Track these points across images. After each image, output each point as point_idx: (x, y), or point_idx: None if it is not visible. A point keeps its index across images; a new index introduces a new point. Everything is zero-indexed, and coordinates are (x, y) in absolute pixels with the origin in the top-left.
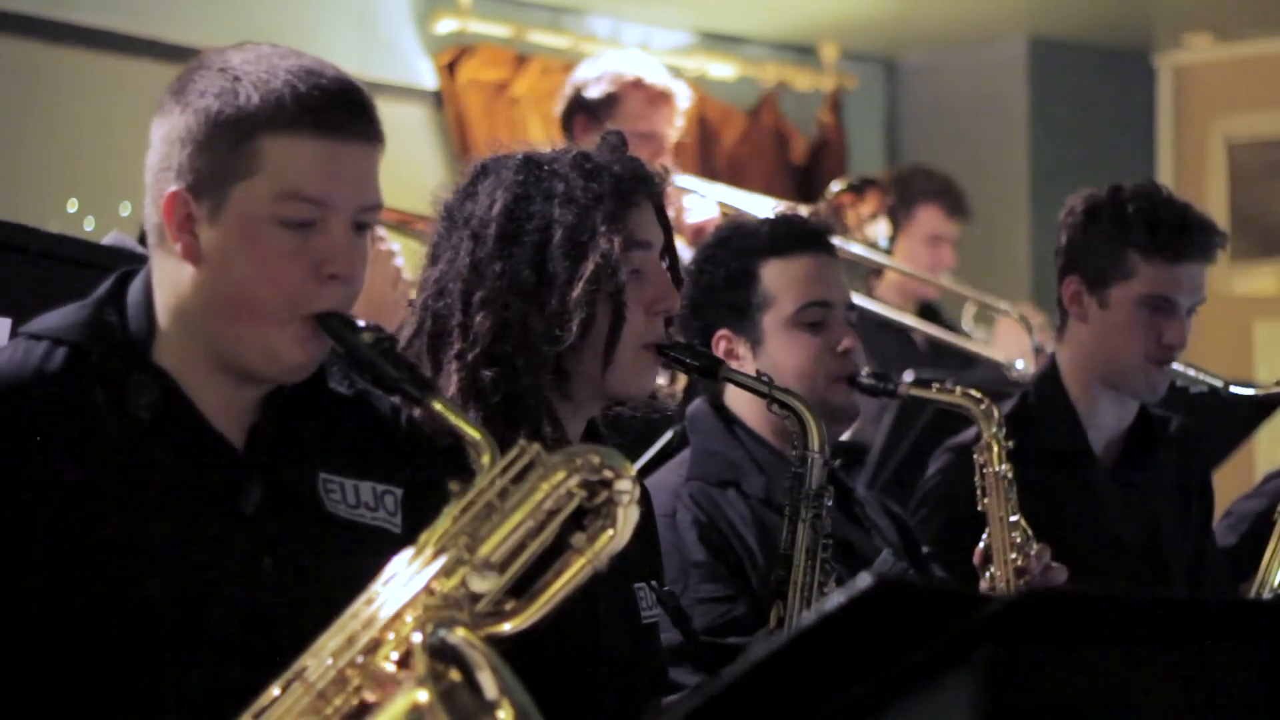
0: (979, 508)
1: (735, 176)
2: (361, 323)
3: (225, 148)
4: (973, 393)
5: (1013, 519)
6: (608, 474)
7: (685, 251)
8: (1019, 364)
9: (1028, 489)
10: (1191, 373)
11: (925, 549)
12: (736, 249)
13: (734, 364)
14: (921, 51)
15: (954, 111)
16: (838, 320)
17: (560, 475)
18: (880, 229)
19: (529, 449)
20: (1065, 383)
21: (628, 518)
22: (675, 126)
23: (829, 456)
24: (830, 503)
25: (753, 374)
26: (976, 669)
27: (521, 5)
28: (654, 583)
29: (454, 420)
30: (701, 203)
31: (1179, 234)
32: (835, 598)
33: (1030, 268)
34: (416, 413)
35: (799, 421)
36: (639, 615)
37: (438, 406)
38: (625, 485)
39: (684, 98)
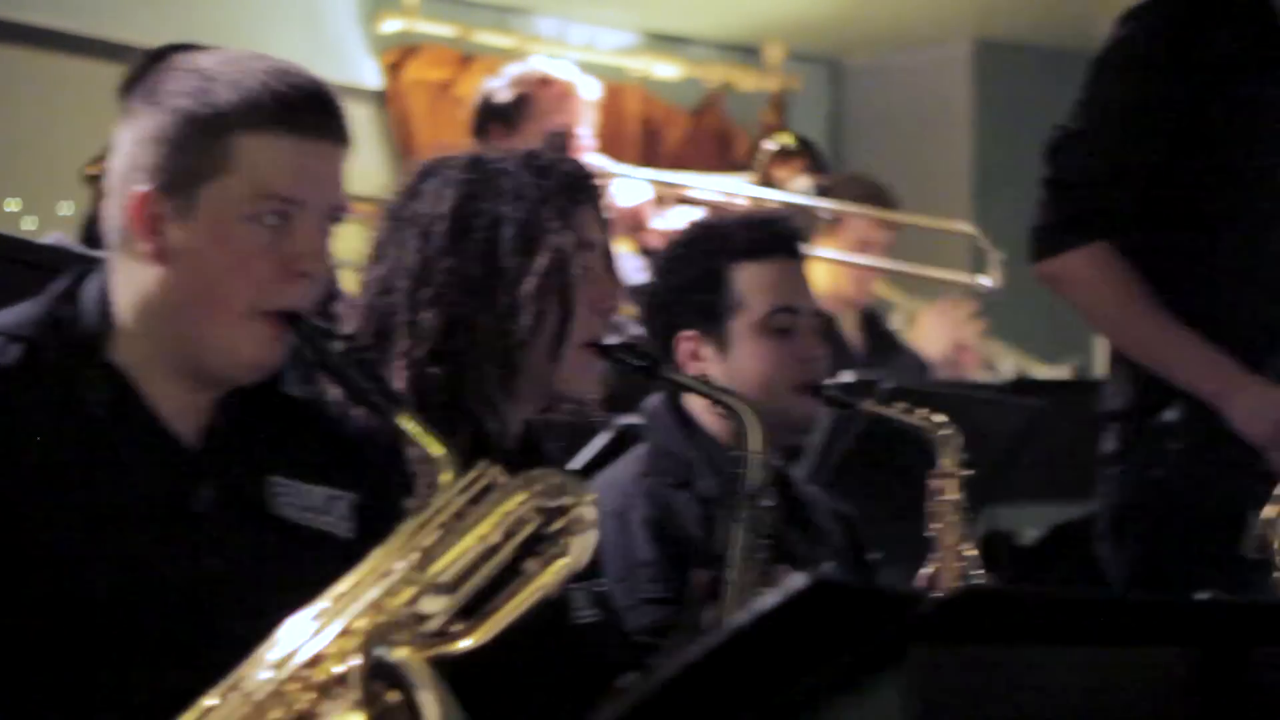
0: (929, 533)
1: None
2: (332, 329)
3: (199, 146)
4: (936, 418)
5: (963, 549)
6: (566, 500)
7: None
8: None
9: None
10: None
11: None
12: (708, 250)
13: (698, 366)
14: (866, 53)
15: (898, 113)
16: (805, 327)
17: (518, 499)
18: (802, 184)
19: (489, 471)
20: None
21: (584, 546)
22: (589, 120)
23: (775, 459)
24: (769, 504)
25: (712, 376)
26: (908, 669)
27: (467, 6)
28: (593, 583)
29: (419, 436)
30: (630, 187)
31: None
32: (769, 597)
33: (972, 268)
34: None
35: (739, 421)
36: (568, 617)
37: (404, 421)
38: (583, 513)
39: (594, 90)
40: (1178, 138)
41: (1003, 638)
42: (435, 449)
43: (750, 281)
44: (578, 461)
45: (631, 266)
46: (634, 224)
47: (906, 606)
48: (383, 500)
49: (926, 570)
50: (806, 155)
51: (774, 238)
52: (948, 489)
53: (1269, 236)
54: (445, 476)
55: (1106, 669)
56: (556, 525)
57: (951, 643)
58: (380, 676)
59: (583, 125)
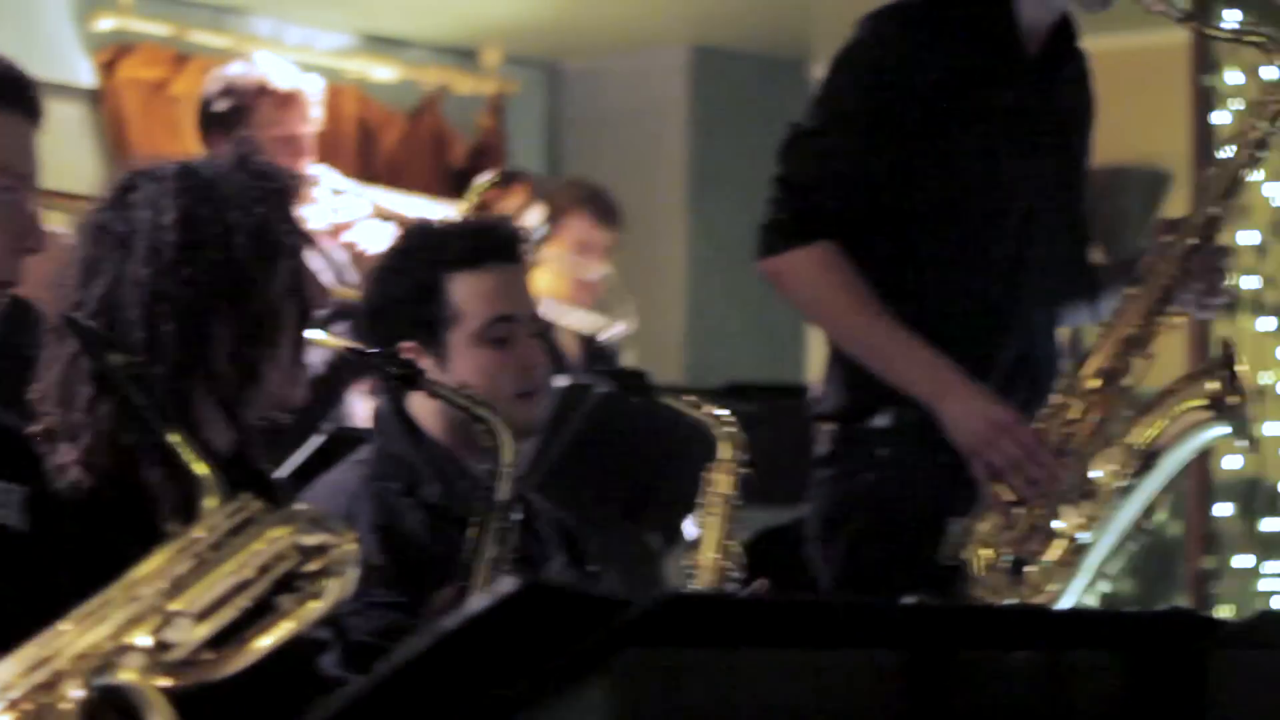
0: (698, 526)
1: (394, 179)
2: (114, 339)
3: None
4: (719, 413)
5: (729, 543)
6: (327, 540)
7: (339, 252)
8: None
9: None
10: None
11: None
12: (423, 259)
13: None
14: (583, 56)
15: (615, 117)
16: (523, 335)
17: (277, 534)
18: (533, 217)
19: (251, 504)
20: None
21: (340, 589)
22: (311, 123)
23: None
24: (518, 517)
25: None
26: (614, 673)
27: (183, 5)
28: None
29: (186, 457)
30: (350, 201)
31: None
32: (478, 600)
33: (686, 273)
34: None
35: (493, 436)
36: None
37: (173, 441)
38: (343, 554)
39: (314, 93)
40: (908, 142)
41: (711, 641)
42: (200, 469)
43: (466, 292)
44: (288, 467)
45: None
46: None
47: (614, 611)
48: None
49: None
50: (527, 183)
51: (490, 245)
52: (722, 483)
53: (994, 245)
54: (210, 501)
55: (814, 671)
56: (314, 564)
57: (659, 646)
58: (109, 702)
59: (304, 129)
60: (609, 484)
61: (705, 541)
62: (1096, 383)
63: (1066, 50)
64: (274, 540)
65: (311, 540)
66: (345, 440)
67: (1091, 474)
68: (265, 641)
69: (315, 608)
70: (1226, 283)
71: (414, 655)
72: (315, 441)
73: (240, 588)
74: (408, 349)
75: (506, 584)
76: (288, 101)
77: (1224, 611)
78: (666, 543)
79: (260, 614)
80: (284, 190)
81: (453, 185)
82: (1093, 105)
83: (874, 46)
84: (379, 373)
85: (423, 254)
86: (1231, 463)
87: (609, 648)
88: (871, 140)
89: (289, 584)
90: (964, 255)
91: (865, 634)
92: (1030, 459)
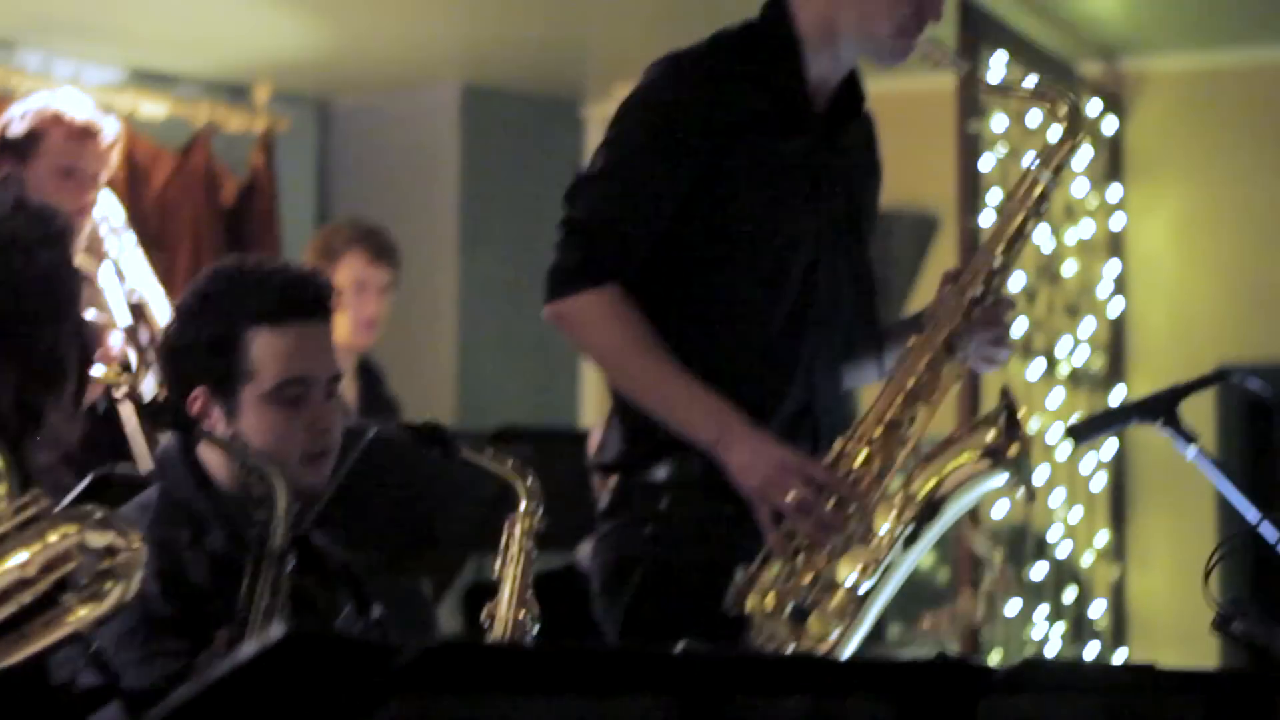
0: (495, 575)
1: (164, 217)
2: None
3: None
4: (521, 467)
5: (528, 594)
6: (115, 542)
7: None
8: None
9: None
10: None
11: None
12: (222, 310)
13: (207, 424)
14: (354, 95)
15: (386, 156)
16: (317, 396)
17: (63, 532)
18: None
19: (40, 499)
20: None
21: (124, 591)
22: (105, 163)
23: (296, 521)
24: (292, 564)
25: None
26: None
27: None
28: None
29: None
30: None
31: None
32: (247, 648)
33: (458, 313)
34: None
35: (267, 485)
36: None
37: None
38: (128, 559)
39: (111, 133)
40: (693, 189)
41: (482, 689)
42: None
43: (264, 350)
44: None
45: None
46: None
47: (386, 658)
48: None
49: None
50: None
51: (294, 301)
52: (521, 535)
53: (777, 295)
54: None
55: (588, 718)
56: (101, 566)
57: (432, 694)
58: None
59: (97, 166)
60: (382, 529)
61: (504, 592)
62: (879, 431)
63: (853, 109)
64: (61, 538)
65: (98, 541)
66: (120, 482)
67: (874, 522)
68: (44, 638)
69: (97, 608)
70: (1010, 334)
71: (182, 704)
72: (85, 482)
73: (21, 584)
74: (199, 395)
75: (274, 632)
76: (82, 135)
77: (993, 658)
78: (439, 589)
79: (41, 610)
80: (63, 233)
81: (223, 225)
82: (879, 170)
83: (661, 92)
84: (153, 418)
85: (225, 301)
86: (999, 510)
87: (377, 696)
88: (657, 185)
89: (75, 583)
90: (747, 304)
91: (637, 681)
92: (818, 501)
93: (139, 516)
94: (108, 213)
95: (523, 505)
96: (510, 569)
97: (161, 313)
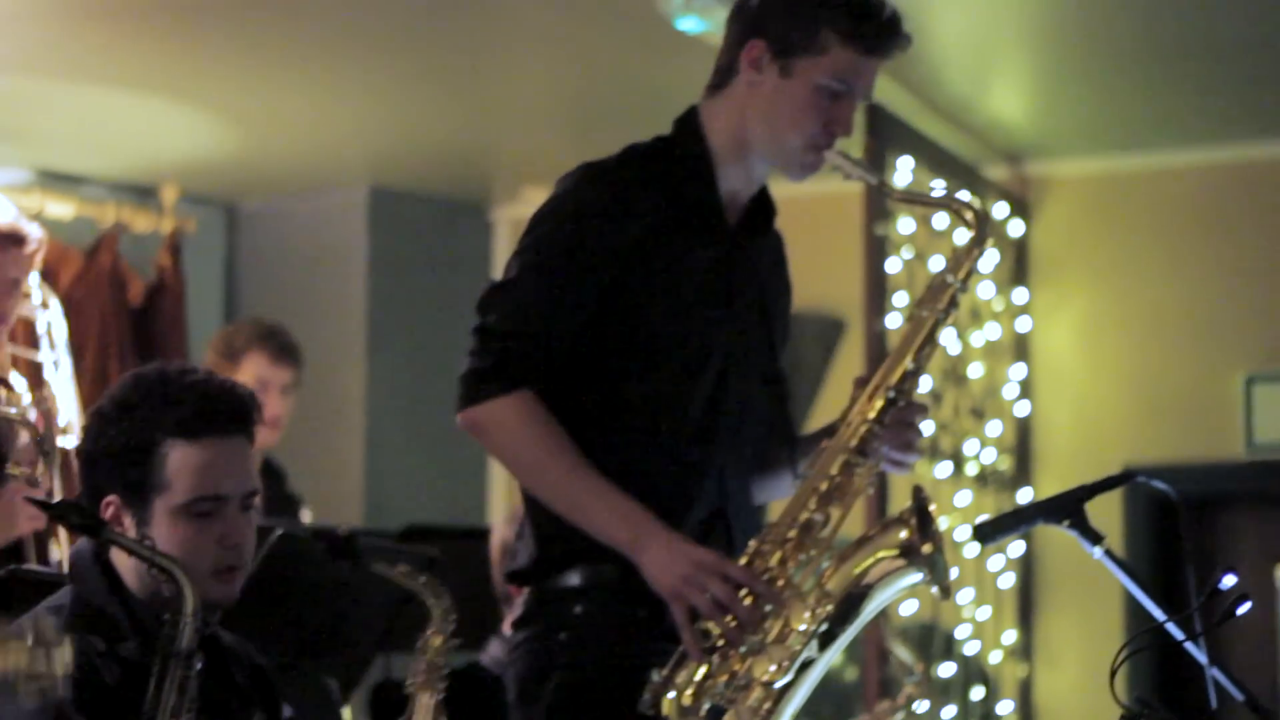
0: (406, 691)
1: (71, 317)
2: None
3: None
4: (433, 583)
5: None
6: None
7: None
8: None
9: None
10: None
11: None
12: (139, 420)
13: (118, 529)
14: (261, 196)
15: (294, 257)
16: (230, 511)
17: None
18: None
19: None
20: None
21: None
22: (28, 269)
23: (203, 622)
24: (199, 665)
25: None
26: None
27: None
28: None
29: None
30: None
31: (879, 28)
32: None
33: (365, 414)
34: None
35: (175, 585)
36: None
37: None
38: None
39: (35, 238)
40: (605, 295)
41: None
42: None
43: (179, 464)
44: None
45: None
46: None
47: None
48: None
49: None
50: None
51: (213, 416)
52: (434, 650)
53: (687, 402)
54: None
55: None
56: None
57: None
58: None
59: (18, 272)
60: (288, 627)
61: (418, 708)
62: (793, 532)
63: (764, 226)
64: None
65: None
66: (29, 580)
67: (790, 621)
68: None
69: None
70: (921, 438)
71: None
72: None
73: None
74: (111, 502)
75: None
76: (4, 241)
77: None
78: (346, 687)
79: None
80: None
81: (130, 325)
82: (789, 289)
83: (574, 201)
84: (60, 521)
85: (143, 411)
86: (907, 608)
87: None
88: (569, 294)
89: None
90: (659, 410)
91: None
92: (735, 599)
93: (52, 619)
94: (51, 319)
95: (434, 624)
96: (424, 689)
97: (70, 413)
